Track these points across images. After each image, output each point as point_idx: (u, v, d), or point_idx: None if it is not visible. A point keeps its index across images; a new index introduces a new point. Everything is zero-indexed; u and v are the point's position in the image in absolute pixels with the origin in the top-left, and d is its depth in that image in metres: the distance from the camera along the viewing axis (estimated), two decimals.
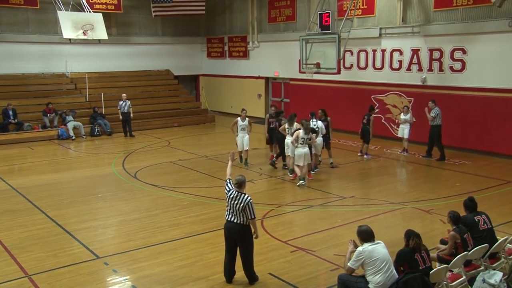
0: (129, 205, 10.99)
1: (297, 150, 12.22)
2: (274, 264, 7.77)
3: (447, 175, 13.58)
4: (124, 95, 20.03)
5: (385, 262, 5.84)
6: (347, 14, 16.49)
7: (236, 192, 6.92)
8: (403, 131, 15.76)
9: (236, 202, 6.85)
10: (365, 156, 15.44)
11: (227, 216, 7.01)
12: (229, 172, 7.45)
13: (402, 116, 15.75)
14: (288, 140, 12.84)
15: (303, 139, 12.14)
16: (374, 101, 18.37)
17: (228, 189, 7.05)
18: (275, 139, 14.10)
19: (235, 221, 6.91)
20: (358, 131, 15.56)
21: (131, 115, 19.95)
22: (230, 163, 7.69)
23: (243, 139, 14.18)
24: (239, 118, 14.35)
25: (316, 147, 13.36)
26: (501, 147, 15.17)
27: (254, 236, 7.04)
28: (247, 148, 14.24)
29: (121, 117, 19.76)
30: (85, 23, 20.18)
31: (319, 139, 13.46)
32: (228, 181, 7.19)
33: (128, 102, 19.83)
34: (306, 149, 12.21)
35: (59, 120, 19.86)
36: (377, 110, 18.31)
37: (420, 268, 5.98)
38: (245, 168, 14.06)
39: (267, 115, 14.91)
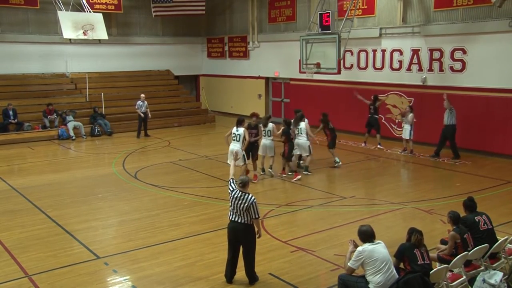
0: (129, 205, 10.99)
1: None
2: (274, 264, 7.77)
3: (448, 175, 13.58)
4: (142, 95, 20.05)
5: (385, 262, 5.84)
6: (347, 14, 16.49)
7: (240, 192, 6.91)
8: (406, 132, 15.75)
9: (240, 202, 6.84)
10: (378, 146, 15.62)
11: (231, 216, 7.00)
12: (232, 172, 7.43)
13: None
14: (300, 140, 13.06)
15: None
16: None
17: (231, 189, 7.03)
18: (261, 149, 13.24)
19: (239, 221, 6.90)
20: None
21: (149, 115, 19.99)
22: (233, 162, 7.68)
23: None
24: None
25: (299, 148, 13.27)
26: (502, 147, 15.16)
27: (257, 236, 7.05)
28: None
29: (142, 115, 19.66)
30: (85, 23, 20.18)
31: (303, 140, 13.11)
32: (231, 181, 7.16)
33: (146, 102, 19.85)
34: (264, 141, 12.95)
35: (60, 120, 19.88)
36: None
37: (419, 263, 6.03)
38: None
39: (246, 124, 12.80)
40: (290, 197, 11.68)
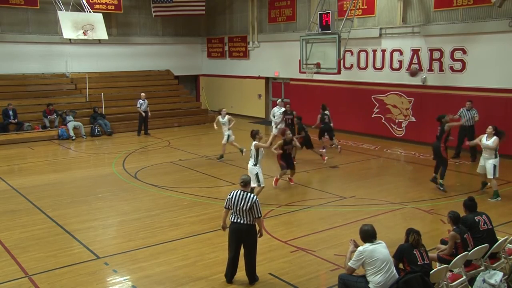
0: (129, 205, 10.99)
1: None
2: (274, 264, 7.77)
3: (447, 175, 13.52)
4: (143, 94, 20.37)
5: (385, 262, 5.83)
6: (347, 14, 16.51)
7: (241, 192, 6.92)
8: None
9: (242, 202, 6.83)
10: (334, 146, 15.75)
11: (233, 218, 7.00)
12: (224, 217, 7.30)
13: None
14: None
15: None
16: (374, 101, 18.39)
17: (229, 197, 6.99)
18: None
19: (241, 222, 6.90)
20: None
21: (149, 113, 20.33)
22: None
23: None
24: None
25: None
26: (501, 147, 15.07)
27: (258, 236, 7.06)
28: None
29: (143, 114, 20.01)
30: (85, 23, 20.21)
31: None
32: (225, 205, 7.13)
33: (146, 101, 20.14)
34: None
35: (60, 120, 19.89)
36: (377, 110, 18.34)
37: (419, 263, 6.03)
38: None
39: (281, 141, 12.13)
40: (290, 197, 11.67)
